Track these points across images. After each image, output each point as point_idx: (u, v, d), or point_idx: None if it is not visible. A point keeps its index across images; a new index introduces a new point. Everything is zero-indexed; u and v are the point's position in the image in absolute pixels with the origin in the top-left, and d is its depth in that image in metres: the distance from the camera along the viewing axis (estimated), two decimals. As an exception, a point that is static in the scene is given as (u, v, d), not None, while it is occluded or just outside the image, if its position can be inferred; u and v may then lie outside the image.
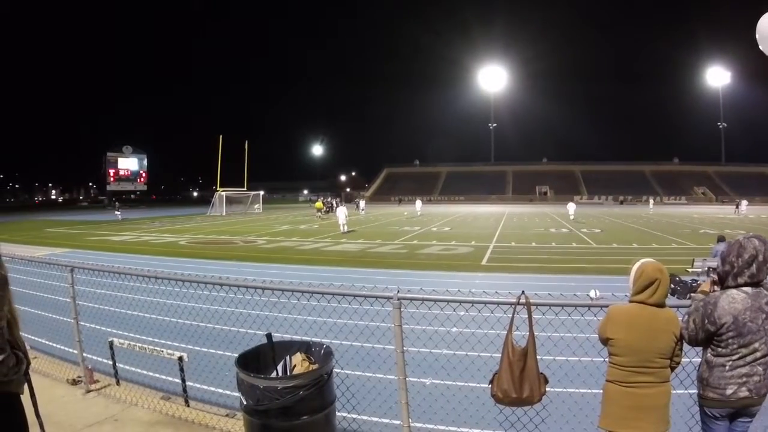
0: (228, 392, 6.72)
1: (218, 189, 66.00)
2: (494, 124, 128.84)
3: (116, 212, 45.13)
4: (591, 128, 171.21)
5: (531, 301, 3.81)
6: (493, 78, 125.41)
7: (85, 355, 6.75)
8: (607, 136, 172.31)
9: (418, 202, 60.10)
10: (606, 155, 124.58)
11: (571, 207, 46.63)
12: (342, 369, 5.19)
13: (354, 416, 5.28)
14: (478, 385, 6.03)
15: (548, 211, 58.82)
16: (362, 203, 67.51)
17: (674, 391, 3.46)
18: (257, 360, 4.44)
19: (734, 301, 3.29)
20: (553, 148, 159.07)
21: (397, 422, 5.17)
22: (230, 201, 66.05)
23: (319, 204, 56.64)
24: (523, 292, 3.84)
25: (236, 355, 4.36)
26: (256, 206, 64.56)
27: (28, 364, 2.99)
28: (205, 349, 8.21)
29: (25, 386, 3.03)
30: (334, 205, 60.47)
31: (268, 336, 4.58)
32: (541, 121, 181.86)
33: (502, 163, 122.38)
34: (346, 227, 34.32)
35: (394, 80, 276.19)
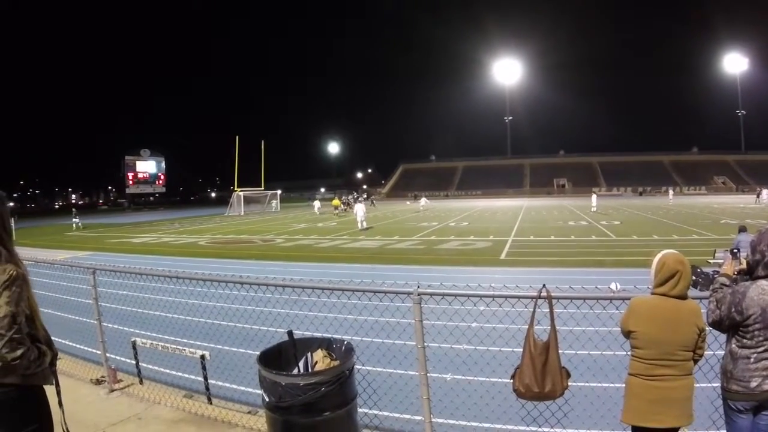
0: (250, 389, 6.77)
1: (236, 189, 66.28)
2: (510, 117, 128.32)
3: (74, 219, 44.21)
4: (608, 119, 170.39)
5: (552, 294, 3.79)
6: (508, 71, 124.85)
7: (108, 355, 6.85)
8: (625, 127, 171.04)
9: (423, 199, 60.50)
10: (624, 146, 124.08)
11: (594, 199, 46.37)
12: (363, 365, 5.19)
13: (375, 412, 5.26)
14: (499, 380, 6.02)
15: (567, 204, 58.51)
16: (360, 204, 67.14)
17: (697, 384, 3.42)
18: (279, 357, 4.45)
19: (764, 292, 3.23)
20: (570, 140, 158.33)
21: (419, 418, 5.17)
22: (248, 201, 66.26)
23: (336, 201, 56.66)
24: (544, 285, 3.82)
25: (258, 352, 4.37)
26: (273, 203, 64.46)
27: (54, 356, 3.06)
28: (227, 348, 8.25)
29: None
30: (352, 202, 60.58)
31: (290, 333, 4.59)
32: (557, 113, 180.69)
33: (518, 157, 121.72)
34: (364, 224, 34.43)
35: (409, 76, 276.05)
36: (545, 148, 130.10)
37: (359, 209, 35.77)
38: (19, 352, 2.72)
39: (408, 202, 66.41)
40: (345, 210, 56.63)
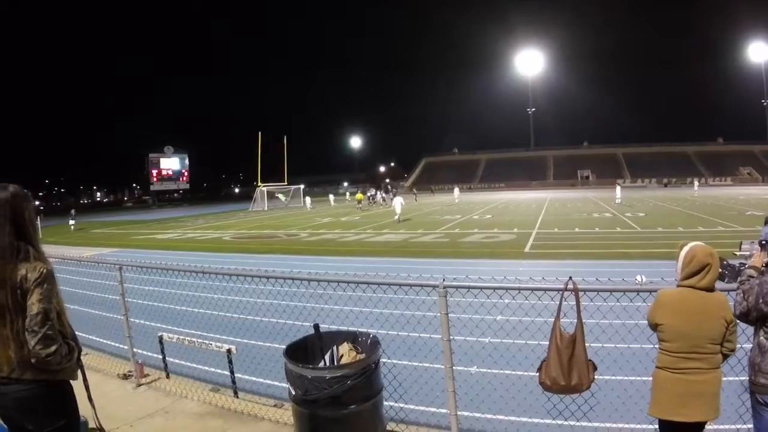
0: (275, 383, 6.79)
1: (259, 185, 66.55)
2: (533, 109, 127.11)
3: (71, 220, 44.26)
4: (632, 109, 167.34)
5: (578, 287, 3.77)
6: (530, 62, 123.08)
7: (135, 350, 6.93)
8: (649, 117, 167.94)
9: (456, 190, 60.29)
10: (648, 137, 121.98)
11: (618, 191, 45.97)
12: (389, 358, 5.19)
13: (401, 405, 5.27)
14: (525, 373, 5.99)
15: (591, 196, 57.93)
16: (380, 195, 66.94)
17: (725, 378, 3.38)
18: (305, 350, 4.48)
19: None
20: (594, 131, 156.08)
21: (444, 411, 5.17)
22: (271, 196, 66.45)
23: (360, 196, 56.72)
24: (570, 278, 3.79)
25: (283, 346, 4.39)
26: (307, 201, 64.54)
27: (80, 351, 3.11)
28: (252, 342, 8.28)
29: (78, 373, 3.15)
30: (380, 195, 60.68)
31: (316, 326, 4.61)
32: (580, 104, 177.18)
33: (542, 149, 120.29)
34: (401, 217, 34.70)
35: (430, 68, 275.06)
36: (569, 139, 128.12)
37: (397, 202, 36.13)
38: (53, 348, 2.77)
39: (414, 199, 65.91)
40: (370, 204, 56.65)
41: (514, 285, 4.14)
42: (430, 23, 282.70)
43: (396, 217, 34.71)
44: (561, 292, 3.78)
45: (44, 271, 2.89)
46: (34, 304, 2.79)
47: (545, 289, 4.02)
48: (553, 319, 3.76)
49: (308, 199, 63.34)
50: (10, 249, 2.90)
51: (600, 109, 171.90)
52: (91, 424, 3.18)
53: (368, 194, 59.48)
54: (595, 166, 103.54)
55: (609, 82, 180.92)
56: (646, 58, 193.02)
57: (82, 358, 3.14)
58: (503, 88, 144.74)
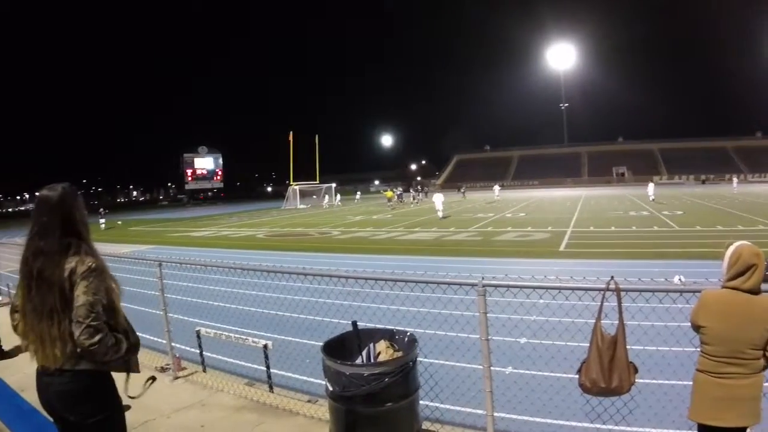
0: (310, 379, 6.86)
1: (291, 183, 66.99)
2: (566, 104, 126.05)
3: (101, 219, 44.71)
4: (668, 103, 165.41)
5: (620, 286, 3.70)
6: (562, 56, 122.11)
7: (173, 344, 7.01)
8: (686, 111, 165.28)
9: (496, 188, 60.07)
10: (685, 131, 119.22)
11: (651, 188, 45.36)
12: (425, 357, 5.17)
13: (437, 404, 5.25)
14: (564, 375, 5.94)
15: (627, 194, 57.10)
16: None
17: (766, 383, 3.30)
18: (342, 347, 4.48)
19: None
20: (629, 126, 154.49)
21: (480, 411, 5.13)
22: (303, 194, 66.82)
23: (389, 194, 56.82)
24: (612, 277, 3.72)
25: (318, 343, 4.40)
26: (337, 198, 64.77)
27: (132, 345, 3.14)
28: (287, 338, 8.33)
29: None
30: (413, 193, 60.67)
31: (354, 324, 4.61)
32: (614, 99, 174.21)
33: (575, 145, 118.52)
34: (441, 213, 34.81)
35: (461, 65, 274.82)
36: (603, 135, 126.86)
37: (437, 199, 36.14)
38: (96, 338, 2.81)
39: (462, 196, 65.72)
40: (400, 202, 56.65)
41: (554, 284, 4.07)
42: (461, 20, 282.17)
43: (439, 213, 34.76)
44: (602, 293, 3.71)
45: (92, 265, 2.94)
46: (80, 296, 2.84)
47: (586, 289, 3.94)
48: (594, 320, 3.70)
49: (338, 196, 63.84)
50: (60, 248, 2.96)
51: (635, 103, 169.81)
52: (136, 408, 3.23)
53: (397, 192, 59.46)
54: (631, 163, 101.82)
55: (643, 75, 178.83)
56: (682, 50, 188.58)
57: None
58: (535, 84, 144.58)
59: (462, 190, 68.96)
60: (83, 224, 3.14)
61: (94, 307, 2.86)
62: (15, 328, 3.16)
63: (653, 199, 42.13)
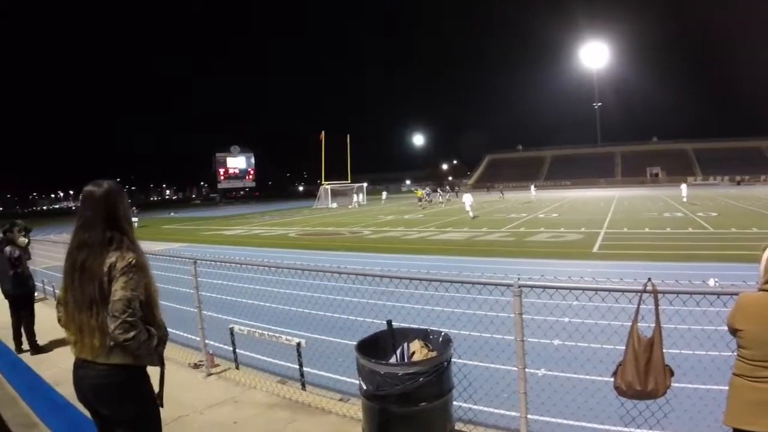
0: (343, 378, 6.89)
1: (323, 183, 67.28)
2: (599, 104, 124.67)
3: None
4: (703, 103, 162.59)
5: (658, 288, 3.66)
6: (595, 55, 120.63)
7: (206, 341, 7.11)
8: (721, 111, 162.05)
9: (533, 188, 60.04)
10: (720, 131, 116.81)
11: (684, 188, 44.75)
12: (459, 358, 5.15)
13: (470, 405, 5.22)
14: (598, 378, 5.89)
15: (661, 194, 56.20)
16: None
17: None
18: (376, 346, 4.49)
19: None
20: (663, 126, 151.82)
21: (512, 413, 5.11)
22: (335, 194, 67.04)
23: (419, 193, 56.86)
24: (649, 279, 3.68)
25: (350, 342, 4.42)
26: (358, 198, 64.88)
27: (161, 339, 3.18)
28: (320, 336, 8.39)
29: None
30: (440, 193, 60.56)
31: (389, 323, 4.61)
32: (648, 98, 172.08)
33: (609, 144, 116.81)
34: (471, 213, 35.00)
35: (493, 64, 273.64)
36: (637, 134, 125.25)
37: (467, 199, 36.39)
38: (131, 334, 2.85)
39: (501, 196, 65.33)
40: (429, 202, 56.51)
41: (591, 285, 4.04)
42: (493, 18, 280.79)
43: (470, 213, 34.89)
44: (639, 294, 3.67)
45: (132, 261, 2.99)
46: (117, 291, 2.89)
47: (623, 290, 3.90)
48: (630, 323, 3.67)
49: (359, 196, 64.09)
50: (103, 242, 3.01)
51: (669, 102, 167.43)
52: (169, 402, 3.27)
53: (425, 192, 59.34)
54: (665, 163, 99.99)
55: (678, 74, 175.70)
56: (717, 48, 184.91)
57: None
58: (568, 83, 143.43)
59: (500, 190, 68.46)
60: (126, 220, 3.20)
61: (131, 303, 2.90)
62: (59, 320, 3.22)
63: (686, 200, 41.60)
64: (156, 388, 3.25)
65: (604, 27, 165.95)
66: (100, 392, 3.01)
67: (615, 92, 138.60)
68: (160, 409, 3.28)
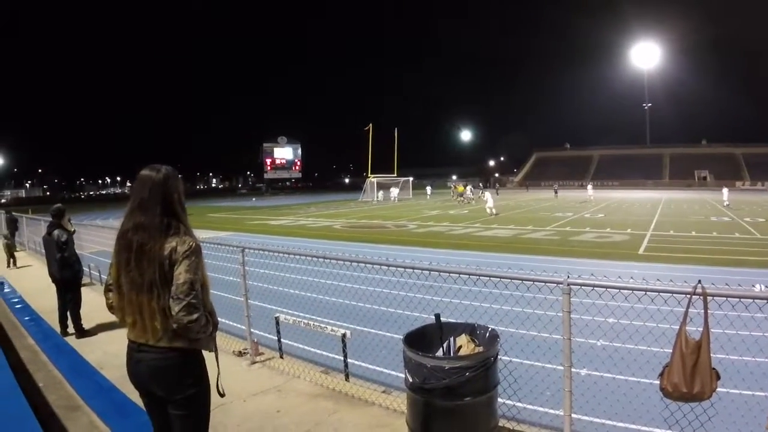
0: (386, 370, 6.96)
1: (369, 176, 67.39)
2: (649, 104, 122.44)
3: (252, 199, 46.12)
4: (753, 107, 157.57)
5: (708, 291, 3.65)
6: (647, 55, 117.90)
7: (252, 330, 7.20)
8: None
9: (590, 187, 59.12)
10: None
11: (725, 193, 43.84)
12: (505, 354, 5.18)
13: (513, 402, 5.22)
14: (643, 379, 5.87)
15: (708, 198, 54.76)
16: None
17: None
18: (423, 339, 4.51)
19: None
20: (712, 129, 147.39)
21: (555, 412, 5.12)
22: (381, 187, 67.09)
23: (460, 188, 56.68)
24: (699, 281, 3.67)
25: (394, 335, 4.48)
26: (396, 192, 64.61)
27: (215, 325, 3.26)
28: (364, 328, 8.37)
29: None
30: (470, 190, 60.03)
31: (437, 316, 4.64)
32: (699, 100, 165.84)
33: (658, 146, 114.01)
34: (494, 211, 34.86)
35: (542, 60, 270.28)
36: (686, 137, 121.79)
37: (488, 196, 36.44)
38: (195, 316, 2.91)
39: (555, 195, 64.49)
40: (466, 200, 55.93)
41: (641, 286, 4.03)
42: (542, 16, 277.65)
43: (492, 211, 35.06)
44: (689, 297, 3.67)
45: (193, 245, 3.05)
46: (181, 274, 2.94)
47: (673, 292, 3.87)
48: (678, 325, 3.67)
49: (398, 191, 63.96)
50: (160, 226, 3.05)
51: (720, 105, 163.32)
52: (213, 389, 3.33)
53: (468, 188, 58.86)
54: (713, 166, 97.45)
55: (730, 76, 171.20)
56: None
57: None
58: (618, 82, 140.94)
59: (555, 189, 67.60)
60: (181, 206, 3.23)
61: (194, 286, 2.95)
62: (111, 307, 3.26)
63: (728, 204, 40.76)
64: (209, 374, 3.29)
65: (655, 27, 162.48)
66: (158, 374, 3.06)
67: (665, 93, 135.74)
68: (218, 390, 3.37)
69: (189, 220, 3.27)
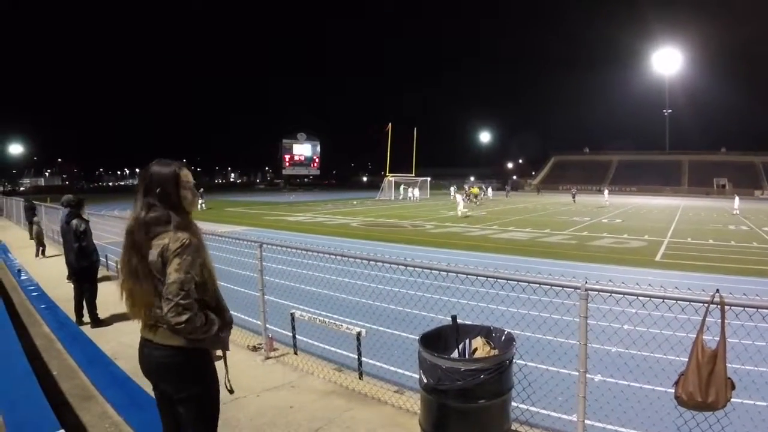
0: (400, 370, 6.96)
1: (387, 175, 67.44)
2: (669, 110, 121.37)
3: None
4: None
5: (726, 300, 3.64)
6: (667, 60, 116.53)
7: (267, 325, 7.22)
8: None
9: (606, 192, 59.38)
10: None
11: (736, 201, 43.51)
12: (520, 358, 5.17)
13: (527, 406, 5.21)
14: (658, 387, 5.85)
15: (726, 206, 54.09)
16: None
17: None
18: (438, 340, 4.51)
19: None
20: (732, 137, 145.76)
21: (568, 417, 5.12)
22: (399, 186, 67.04)
23: (475, 190, 56.49)
24: (717, 290, 3.66)
25: (409, 335, 4.49)
26: (411, 192, 64.46)
27: (224, 323, 3.21)
28: (379, 327, 8.37)
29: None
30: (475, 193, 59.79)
31: (454, 318, 4.64)
32: (720, 107, 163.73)
33: (677, 152, 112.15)
34: (466, 212, 36.21)
35: (562, 64, 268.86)
36: (706, 144, 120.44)
37: (459, 200, 38.16)
38: (184, 318, 2.84)
39: (573, 199, 64.20)
40: (475, 202, 55.67)
41: (659, 293, 4.01)
42: (563, 20, 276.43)
43: (465, 211, 36.27)
44: (706, 306, 3.66)
45: (186, 241, 2.96)
46: (170, 274, 2.87)
47: (691, 300, 3.86)
48: (694, 333, 3.66)
49: (410, 189, 63.96)
50: (153, 221, 3.01)
51: (740, 112, 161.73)
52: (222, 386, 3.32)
53: (481, 188, 58.68)
54: (732, 174, 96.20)
55: (751, 83, 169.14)
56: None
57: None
58: (638, 87, 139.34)
59: (573, 194, 67.36)
60: (187, 201, 3.19)
61: (185, 285, 2.87)
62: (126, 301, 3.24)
63: (737, 213, 40.45)
64: (219, 372, 3.28)
65: (677, 33, 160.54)
66: (162, 371, 3.08)
67: (686, 99, 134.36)
68: (226, 386, 3.37)
69: (191, 216, 3.23)
